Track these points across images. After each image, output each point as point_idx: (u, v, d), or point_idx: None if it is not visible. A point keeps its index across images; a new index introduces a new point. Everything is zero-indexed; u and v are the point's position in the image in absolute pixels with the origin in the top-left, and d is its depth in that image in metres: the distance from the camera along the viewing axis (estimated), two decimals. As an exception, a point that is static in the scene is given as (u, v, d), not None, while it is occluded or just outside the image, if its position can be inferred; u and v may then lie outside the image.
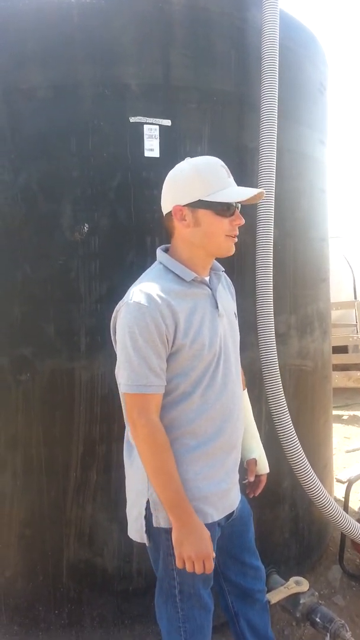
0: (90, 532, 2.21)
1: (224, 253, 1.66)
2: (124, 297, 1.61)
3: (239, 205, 1.63)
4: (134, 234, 2.15)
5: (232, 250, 1.66)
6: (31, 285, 2.16)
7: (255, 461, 1.93)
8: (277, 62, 2.24)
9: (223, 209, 1.58)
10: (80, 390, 2.16)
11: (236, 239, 1.64)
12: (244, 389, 1.96)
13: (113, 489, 2.17)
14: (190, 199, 1.58)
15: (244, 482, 1.91)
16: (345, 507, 2.82)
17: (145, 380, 1.52)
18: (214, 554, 1.57)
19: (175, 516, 1.54)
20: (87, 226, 2.12)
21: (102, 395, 2.15)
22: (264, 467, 1.96)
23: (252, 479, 1.92)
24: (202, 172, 1.59)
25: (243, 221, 1.62)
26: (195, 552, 1.52)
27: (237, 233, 1.64)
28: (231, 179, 1.63)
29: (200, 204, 1.58)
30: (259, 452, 1.95)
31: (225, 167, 1.63)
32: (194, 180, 1.59)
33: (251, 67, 2.30)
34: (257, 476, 1.94)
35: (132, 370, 1.53)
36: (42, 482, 2.19)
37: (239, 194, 1.59)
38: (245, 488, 1.93)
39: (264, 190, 1.65)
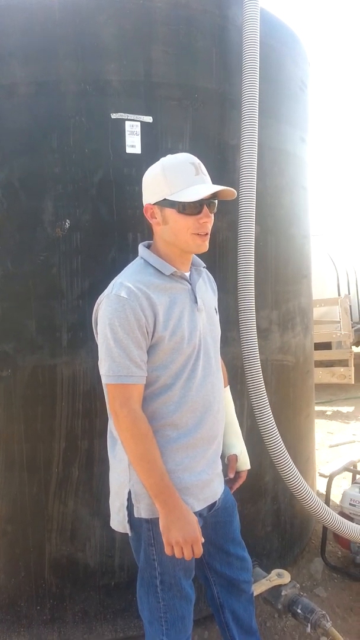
0: (72, 528, 2.21)
1: (193, 250, 1.66)
2: (105, 291, 1.64)
3: (214, 202, 1.63)
4: (115, 231, 2.15)
5: (203, 247, 1.65)
6: (12, 280, 2.16)
7: (236, 457, 1.95)
8: (258, 60, 2.26)
9: (186, 208, 1.59)
10: (62, 386, 2.16)
11: (207, 236, 1.64)
12: (226, 386, 1.98)
13: (95, 485, 2.17)
14: (158, 198, 1.63)
15: (225, 478, 1.93)
16: (327, 500, 2.86)
17: (126, 370, 1.55)
18: (203, 539, 1.60)
19: (161, 503, 1.55)
20: (68, 222, 2.12)
21: (84, 391, 2.16)
22: (244, 463, 1.97)
23: (232, 475, 1.93)
24: (168, 171, 1.62)
25: (210, 219, 1.62)
26: (183, 537, 1.54)
27: (207, 230, 1.63)
28: (200, 177, 1.61)
29: (165, 203, 1.61)
30: (240, 448, 1.96)
31: (197, 164, 1.62)
32: (160, 180, 1.62)
33: (232, 64, 2.31)
34: (237, 472, 1.96)
35: (113, 361, 1.55)
36: (23, 477, 2.19)
37: (197, 192, 1.57)
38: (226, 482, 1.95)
39: (229, 188, 1.62)
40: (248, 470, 1.99)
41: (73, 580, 2.24)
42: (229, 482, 1.96)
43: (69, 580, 2.24)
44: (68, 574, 2.24)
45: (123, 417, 1.56)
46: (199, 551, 1.57)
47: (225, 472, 1.91)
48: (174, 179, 1.60)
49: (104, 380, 1.61)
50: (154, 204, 1.64)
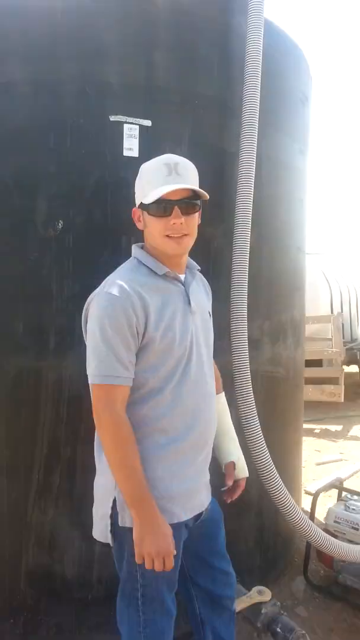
0: (51, 538, 2.14)
1: (169, 252, 1.62)
2: (96, 289, 1.61)
3: (189, 203, 1.57)
4: (109, 233, 2.12)
5: (178, 249, 1.61)
6: (1, 280, 2.11)
7: (234, 464, 1.88)
8: (260, 70, 2.25)
9: (152, 209, 1.57)
10: (46, 390, 2.10)
11: (182, 238, 1.59)
12: (220, 392, 1.94)
13: (76, 494, 2.11)
14: (138, 202, 1.64)
15: (222, 489, 1.87)
16: (312, 517, 2.81)
17: (112, 371, 1.50)
18: (175, 552, 1.53)
19: (136, 511, 1.50)
20: (61, 223, 2.09)
21: (69, 397, 2.10)
22: (242, 470, 1.91)
23: (230, 483, 1.86)
24: (143, 174, 1.64)
25: (180, 221, 1.55)
26: (155, 549, 1.48)
27: (181, 232, 1.57)
28: (172, 177, 1.55)
29: (142, 206, 1.62)
30: (237, 455, 1.91)
31: (172, 164, 1.57)
32: (137, 183, 1.66)
33: (234, 73, 2.30)
34: (236, 480, 1.89)
35: (100, 361, 1.51)
36: (2, 483, 2.13)
37: (157, 193, 1.54)
38: (222, 493, 1.88)
39: (192, 187, 1.56)
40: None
41: (49, 593, 2.17)
42: (227, 492, 1.89)
43: (45, 592, 2.17)
44: (44, 586, 2.17)
45: (105, 419, 1.51)
46: (170, 564, 1.51)
47: (221, 481, 1.85)
48: (146, 182, 1.60)
49: (89, 381, 1.56)
50: (138, 207, 1.65)
